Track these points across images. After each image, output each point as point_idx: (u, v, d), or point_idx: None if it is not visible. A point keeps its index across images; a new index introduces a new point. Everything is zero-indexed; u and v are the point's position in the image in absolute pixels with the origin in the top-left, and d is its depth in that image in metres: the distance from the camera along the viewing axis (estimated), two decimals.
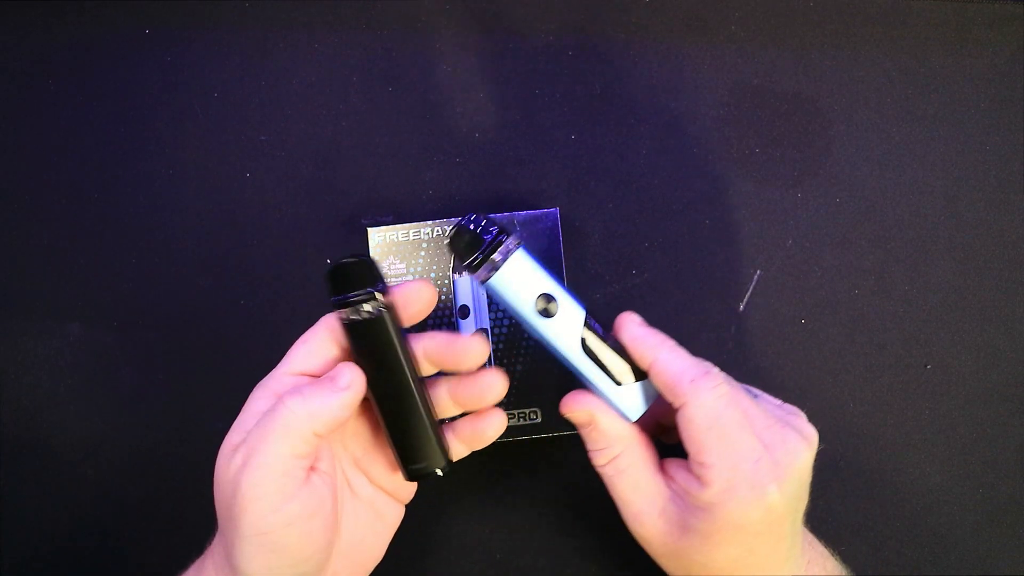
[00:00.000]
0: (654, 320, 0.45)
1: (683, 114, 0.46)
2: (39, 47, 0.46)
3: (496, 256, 0.35)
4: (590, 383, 0.36)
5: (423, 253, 0.43)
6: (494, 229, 0.36)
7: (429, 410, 0.37)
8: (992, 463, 0.44)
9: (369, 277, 0.35)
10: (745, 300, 0.45)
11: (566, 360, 0.36)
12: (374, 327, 0.35)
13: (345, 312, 0.35)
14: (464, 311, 0.39)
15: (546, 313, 0.36)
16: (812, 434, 0.35)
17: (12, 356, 0.45)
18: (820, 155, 0.46)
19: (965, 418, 0.45)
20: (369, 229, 0.43)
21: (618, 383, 0.36)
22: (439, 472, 0.36)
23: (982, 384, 0.45)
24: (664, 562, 0.37)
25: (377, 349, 0.35)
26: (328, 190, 0.45)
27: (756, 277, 0.45)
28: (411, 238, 0.43)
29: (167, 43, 0.46)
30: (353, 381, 0.35)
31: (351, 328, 0.35)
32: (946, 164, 0.46)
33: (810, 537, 0.39)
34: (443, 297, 0.43)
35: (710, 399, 0.34)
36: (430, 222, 0.43)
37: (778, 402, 0.38)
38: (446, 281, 0.43)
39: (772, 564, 0.35)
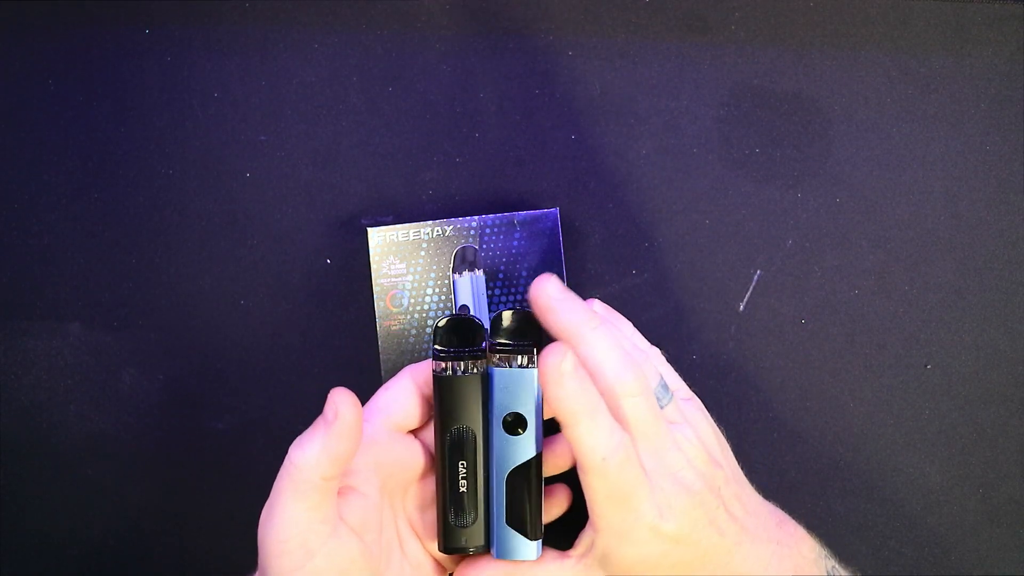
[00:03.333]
0: (654, 320, 0.46)
1: (683, 114, 0.46)
2: (39, 47, 0.46)
3: (521, 358, 0.37)
4: (490, 507, 0.37)
5: (423, 253, 0.43)
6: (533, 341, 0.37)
7: (487, 490, 0.38)
8: (992, 463, 0.44)
9: (476, 339, 0.37)
10: (745, 300, 0.45)
11: (491, 475, 0.37)
12: (464, 386, 0.37)
13: (447, 364, 0.37)
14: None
15: (506, 428, 0.37)
16: (686, 446, 0.36)
17: (12, 356, 0.45)
18: (820, 155, 0.46)
19: (965, 418, 0.45)
20: (369, 229, 0.43)
21: (508, 524, 0.37)
22: (472, 551, 0.38)
23: (982, 384, 0.45)
24: None
25: (460, 409, 0.37)
26: (328, 190, 0.46)
27: (756, 277, 0.45)
28: (411, 238, 0.43)
29: (167, 43, 0.46)
30: (340, 412, 0.33)
31: (442, 382, 0.37)
32: (946, 164, 0.46)
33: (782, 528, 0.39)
34: (443, 297, 0.43)
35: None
36: (430, 222, 0.43)
37: (681, 392, 0.40)
38: (446, 281, 0.43)
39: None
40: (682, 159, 0.46)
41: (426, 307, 0.43)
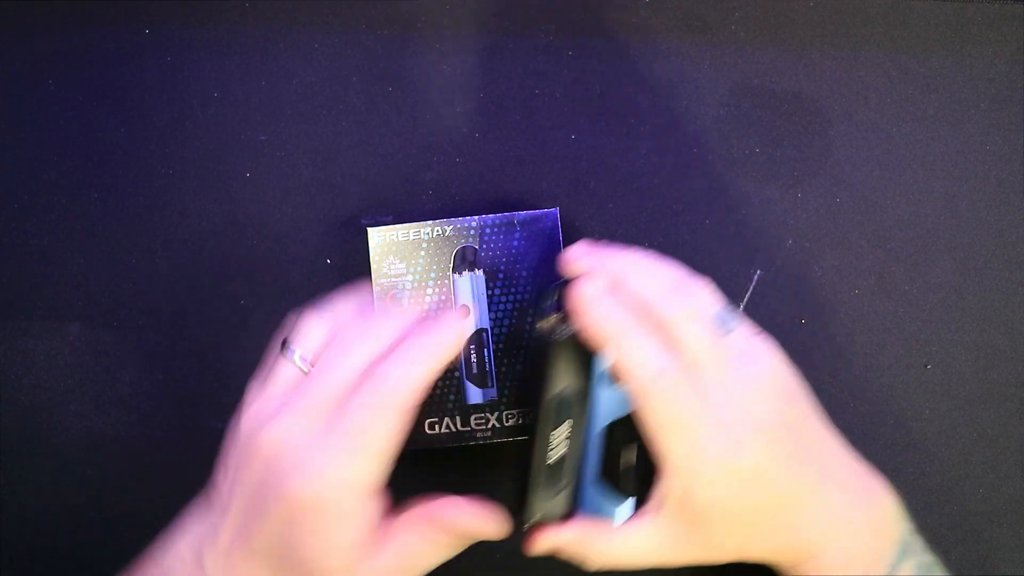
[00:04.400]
0: None
1: (683, 114, 0.46)
2: (39, 47, 0.46)
3: None
4: (581, 465, 0.37)
5: (423, 253, 0.43)
6: None
7: (582, 458, 0.37)
8: (992, 463, 0.44)
9: None
10: (745, 300, 0.45)
11: (589, 432, 0.37)
12: (572, 349, 0.36)
13: (560, 325, 0.36)
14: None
15: (610, 378, 0.36)
16: (757, 379, 0.34)
17: (12, 356, 0.45)
18: (820, 155, 0.46)
19: (965, 418, 0.45)
20: (369, 229, 0.43)
21: (601, 480, 0.37)
22: (535, 521, 0.37)
23: (982, 384, 0.45)
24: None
25: (574, 372, 0.36)
26: (328, 190, 0.46)
27: (756, 277, 0.45)
28: (411, 238, 0.43)
29: (167, 43, 0.46)
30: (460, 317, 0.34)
31: (558, 346, 0.36)
32: (946, 164, 0.46)
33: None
34: (442, 298, 0.43)
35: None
36: (430, 222, 0.43)
37: (749, 327, 0.37)
38: (446, 281, 0.43)
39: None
40: (682, 159, 0.46)
41: (426, 307, 0.43)
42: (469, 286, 0.43)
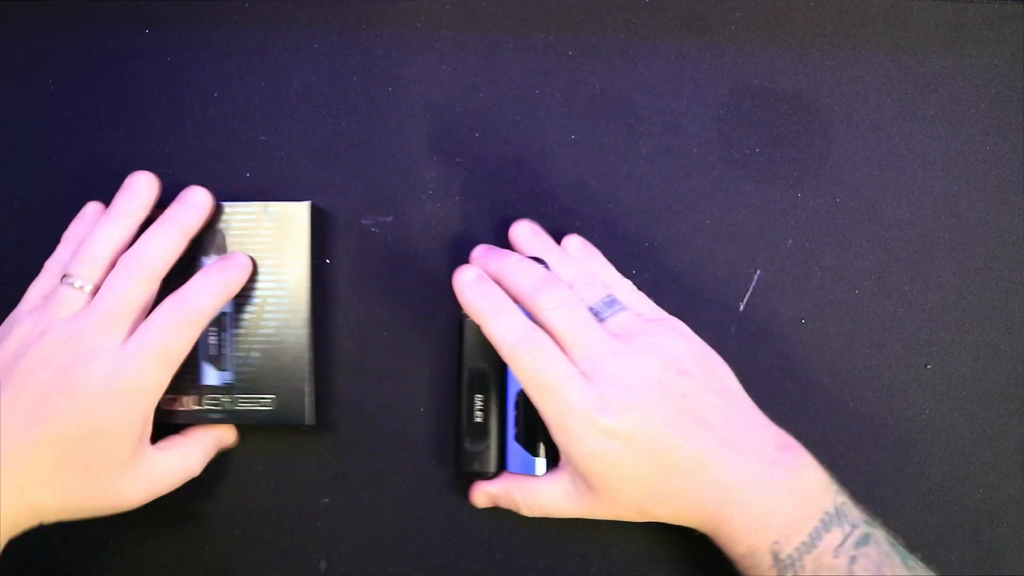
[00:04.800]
0: None
1: (683, 114, 0.46)
2: (39, 47, 0.46)
3: None
4: (505, 430, 0.42)
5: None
6: None
7: (501, 423, 0.42)
8: (992, 463, 0.44)
9: None
10: (745, 300, 0.45)
11: (506, 400, 0.42)
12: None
13: None
14: None
15: None
16: (634, 357, 0.37)
17: None
18: (820, 155, 0.46)
19: (965, 418, 0.45)
20: (225, 204, 0.43)
21: (516, 441, 0.41)
22: (485, 473, 0.42)
23: (982, 384, 0.45)
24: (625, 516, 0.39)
25: (480, 349, 0.41)
26: (328, 190, 0.46)
27: (756, 277, 0.45)
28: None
29: (167, 43, 0.46)
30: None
31: (466, 325, 0.42)
32: (946, 164, 0.46)
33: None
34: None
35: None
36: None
37: (649, 314, 0.41)
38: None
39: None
40: (682, 159, 0.46)
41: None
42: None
